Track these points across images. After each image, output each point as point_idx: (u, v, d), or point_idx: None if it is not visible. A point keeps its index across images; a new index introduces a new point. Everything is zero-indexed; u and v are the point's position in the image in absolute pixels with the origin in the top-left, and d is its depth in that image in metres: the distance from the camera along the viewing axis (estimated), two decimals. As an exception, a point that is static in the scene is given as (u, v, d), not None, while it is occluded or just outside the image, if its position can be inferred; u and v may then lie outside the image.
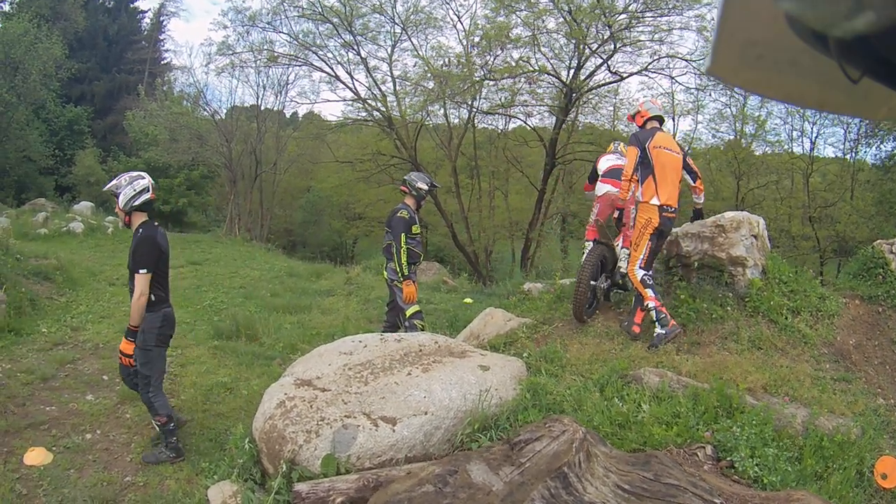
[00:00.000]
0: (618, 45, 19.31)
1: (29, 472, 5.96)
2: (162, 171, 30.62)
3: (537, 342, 7.33)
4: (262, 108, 30.38)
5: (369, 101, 24.28)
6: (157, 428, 6.40)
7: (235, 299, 13.37)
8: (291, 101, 46.73)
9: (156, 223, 6.31)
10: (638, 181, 7.21)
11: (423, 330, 7.79)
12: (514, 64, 20.75)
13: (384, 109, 23.65)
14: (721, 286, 7.68)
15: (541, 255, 26.23)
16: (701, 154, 26.58)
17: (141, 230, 6.17)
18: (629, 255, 7.44)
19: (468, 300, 13.46)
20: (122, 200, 6.09)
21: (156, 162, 30.08)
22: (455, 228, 25.02)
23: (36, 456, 6.16)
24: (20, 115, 31.67)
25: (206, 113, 30.31)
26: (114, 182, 6.20)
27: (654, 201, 7.13)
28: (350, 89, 25.05)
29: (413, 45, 24.03)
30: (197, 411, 7.57)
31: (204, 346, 9.78)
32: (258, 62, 26.45)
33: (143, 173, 6.24)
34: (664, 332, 6.98)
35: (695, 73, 20.46)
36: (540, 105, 22.70)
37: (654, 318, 7.07)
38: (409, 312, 8.17)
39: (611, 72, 20.88)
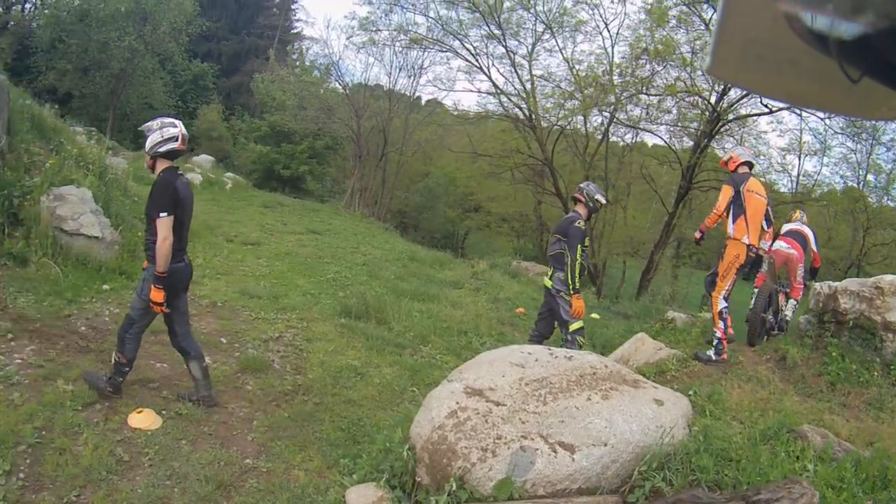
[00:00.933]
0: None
1: (133, 435, 5.37)
2: (286, 137, 31.33)
3: (689, 377, 7.20)
4: (393, 88, 30.53)
5: (512, 97, 23.75)
6: (113, 362, 5.85)
7: (359, 276, 12.98)
8: (428, 84, 47.04)
9: (179, 171, 5.87)
10: (730, 219, 7.78)
11: (582, 347, 7.43)
12: (672, 82, 20.16)
13: (526, 107, 23.05)
14: (870, 349, 7.61)
15: (655, 278, 25.47)
16: (822, 198, 25.67)
17: (161, 175, 5.76)
18: (727, 288, 7.95)
19: (595, 315, 12.97)
20: (148, 143, 5.74)
21: (281, 126, 30.79)
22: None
23: (143, 419, 5.60)
24: (146, 64, 33.39)
25: (337, 85, 30.74)
26: (148, 123, 5.89)
27: (745, 240, 7.72)
28: (492, 82, 24.67)
29: (557, 44, 23.42)
30: (326, 395, 6.97)
31: (330, 323, 9.29)
32: (397, 42, 26.40)
33: (176, 121, 5.87)
34: (715, 357, 7.72)
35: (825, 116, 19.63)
36: (683, 126, 22.07)
37: (714, 344, 7.80)
38: (573, 327, 7.69)
39: (762, 103, 19.94)
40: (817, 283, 8.48)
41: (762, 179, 20.99)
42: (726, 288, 7.84)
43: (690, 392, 6.17)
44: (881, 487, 4.73)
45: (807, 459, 4.90)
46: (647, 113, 21.83)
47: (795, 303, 9.87)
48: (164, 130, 5.72)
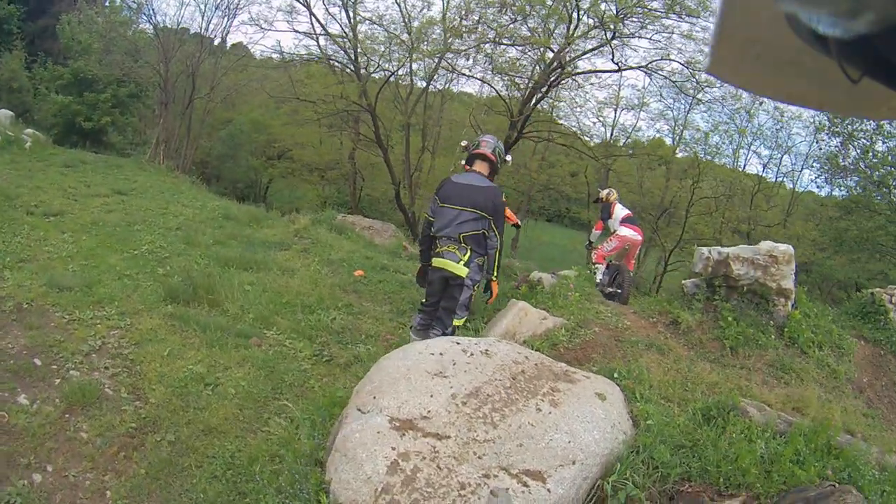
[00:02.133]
0: (617, 29, 18.11)
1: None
2: (89, 85, 28.30)
3: (583, 349, 6.64)
4: (205, 30, 28.68)
5: (338, 39, 22.18)
6: None
7: (176, 245, 11.00)
8: (242, 24, 45.49)
9: None
10: None
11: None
12: (509, 27, 19.37)
13: (352, 50, 21.69)
14: (763, 313, 7.92)
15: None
16: (631, 146, 28.01)
17: None
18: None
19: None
20: None
21: (84, 73, 27.86)
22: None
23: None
24: (-63, 12, 29.13)
25: (148, 25, 28.33)
26: None
27: None
28: (314, 21, 23.02)
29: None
30: (179, 426, 5.37)
31: (157, 314, 7.67)
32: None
33: None
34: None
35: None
36: (510, 76, 21.19)
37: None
38: (457, 322, 6.54)
39: (613, 61, 19.58)
40: (704, 248, 8.48)
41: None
42: None
43: (615, 374, 5.54)
44: (834, 457, 4.74)
45: (757, 437, 4.75)
46: (486, 61, 20.89)
47: (631, 274, 11.12)
48: None
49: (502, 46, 19.83)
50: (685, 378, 6.12)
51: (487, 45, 19.89)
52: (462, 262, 6.25)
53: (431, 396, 4.02)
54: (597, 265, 10.91)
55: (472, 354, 4.62)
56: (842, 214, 23.05)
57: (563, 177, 33.51)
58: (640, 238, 11.38)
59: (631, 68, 19.65)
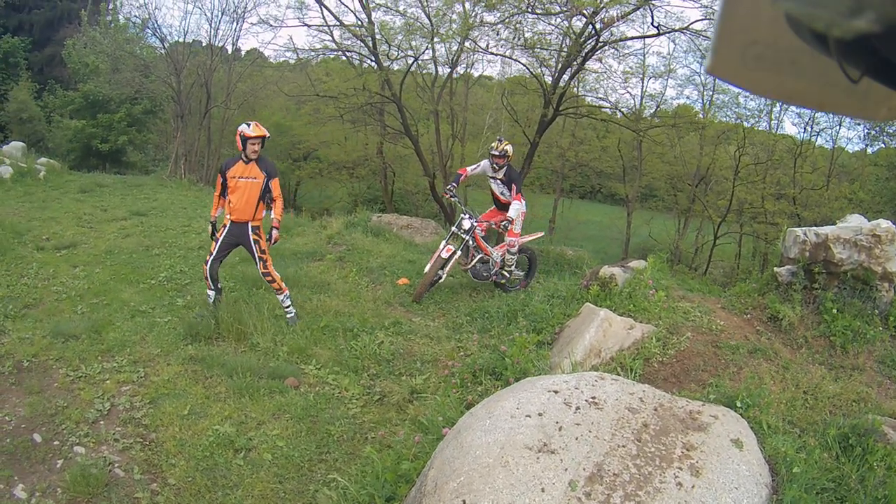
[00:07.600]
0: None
1: None
2: (101, 106, 28.21)
3: (679, 361, 6.09)
4: (215, 37, 27.93)
5: (354, 29, 20.64)
6: None
7: (198, 268, 9.77)
8: (252, 27, 45.85)
9: None
10: None
11: None
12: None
13: (370, 40, 20.31)
14: (866, 301, 7.14)
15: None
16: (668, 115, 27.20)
17: None
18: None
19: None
20: None
21: (95, 95, 27.64)
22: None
23: None
24: (-59, 46, 29.37)
25: (155, 40, 28.00)
26: None
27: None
28: (332, 14, 21.50)
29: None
30: None
31: (176, 359, 6.67)
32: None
33: None
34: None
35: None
36: (535, 50, 19.82)
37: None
38: None
39: (653, 24, 17.98)
40: (798, 230, 7.56)
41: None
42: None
43: (738, 403, 4.76)
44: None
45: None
46: (514, 36, 19.58)
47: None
48: None
49: (531, 17, 18.48)
50: (804, 392, 5.65)
51: (515, 17, 18.50)
52: None
53: (543, 490, 3.00)
54: (511, 257, 9.59)
55: (577, 409, 3.68)
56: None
57: (593, 152, 32.80)
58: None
59: (673, 31, 18.15)
